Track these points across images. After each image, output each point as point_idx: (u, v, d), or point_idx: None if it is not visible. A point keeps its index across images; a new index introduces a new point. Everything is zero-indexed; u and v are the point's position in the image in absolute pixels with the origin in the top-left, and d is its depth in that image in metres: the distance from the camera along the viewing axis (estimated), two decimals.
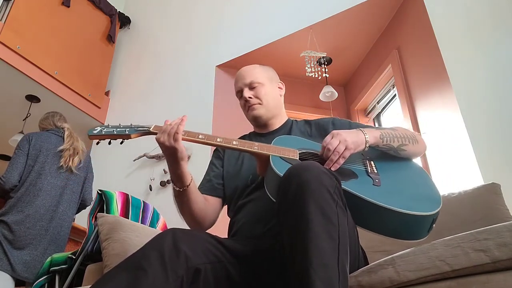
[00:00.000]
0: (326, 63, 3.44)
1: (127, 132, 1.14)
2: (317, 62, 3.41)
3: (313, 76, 3.24)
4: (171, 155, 1.09)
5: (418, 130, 2.59)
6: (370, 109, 3.57)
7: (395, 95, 3.17)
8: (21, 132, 4.00)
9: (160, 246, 0.83)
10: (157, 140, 1.09)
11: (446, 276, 0.81)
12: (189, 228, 1.18)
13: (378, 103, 3.47)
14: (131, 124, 1.18)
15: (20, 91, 3.91)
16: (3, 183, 2.33)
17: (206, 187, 1.32)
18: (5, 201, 2.37)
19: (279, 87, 1.43)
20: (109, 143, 1.17)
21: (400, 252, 0.90)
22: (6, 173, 2.36)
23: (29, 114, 4.03)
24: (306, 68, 3.23)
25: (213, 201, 1.28)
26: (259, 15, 3.67)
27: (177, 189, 1.13)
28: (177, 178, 1.13)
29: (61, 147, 2.53)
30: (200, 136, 1.13)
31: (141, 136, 1.16)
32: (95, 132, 1.15)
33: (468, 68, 2.32)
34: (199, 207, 1.19)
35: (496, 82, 2.21)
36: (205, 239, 0.94)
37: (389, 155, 1.19)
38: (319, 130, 1.34)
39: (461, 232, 0.85)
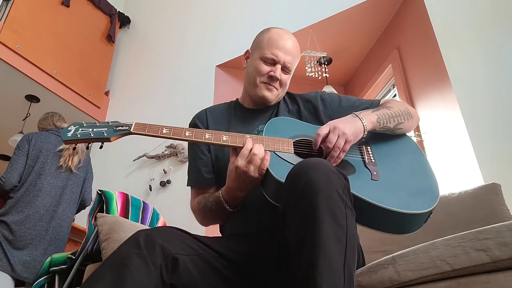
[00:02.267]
0: (326, 63, 3.44)
1: (105, 135, 1.00)
2: (317, 62, 3.41)
3: (313, 76, 3.24)
4: (249, 184, 1.01)
5: (418, 130, 2.59)
6: None
7: (395, 95, 3.17)
8: (21, 132, 4.00)
9: (136, 243, 0.85)
10: (240, 167, 0.99)
11: (447, 275, 0.81)
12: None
13: None
14: (108, 122, 1.03)
15: (19, 91, 3.91)
16: (3, 183, 2.33)
17: (195, 180, 1.21)
18: (5, 201, 2.37)
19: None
20: (87, 147, 1.07)
21: (400, 252, 0.90)
22: (5, 174, 2.36)
23: (28, 114, 4.03)
24: (306, 68, 3.23)
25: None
26: (259, 15, 3.67)
27: (230, 210, 1.08)
28: (235, 201, 1.07)
29: (61, 147, 2.53)
30: (187, 134, 1.04)
31: (121, 137, 1.02)
32: (69, 135, 0.98)
33: (469, 68, 2.32)
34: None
35: (497, 82, 2.21)
36: (179, 234, 0.94)
37: (385, 135, 1.17)
38: (308, 107, 1.28)
39: (462, 232, 0.85)
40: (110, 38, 4.62)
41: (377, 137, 1.17)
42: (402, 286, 0.84)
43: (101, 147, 1.04)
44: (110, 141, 1.01)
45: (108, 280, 0.79)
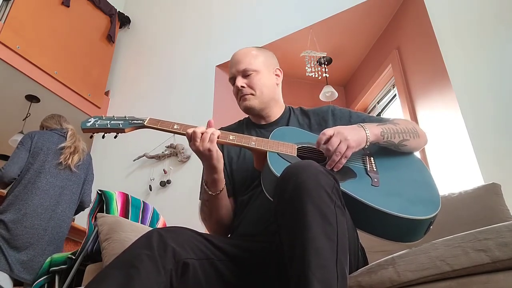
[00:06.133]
0: (326, 63, 3.44)
1: (120, 126, 1.10)
2: (317, 62, 3.41)
3: (313, 76, 3.24)
4: (208, 159, 1.07)
5: None
6: (370, 109, 3.57)
7: (395, 95, 3.17)
8: (21, 132, 4.00)
9: (149, 244, 0.84)
10: (191, 147, 1.07)
11: (447, 276, 0.80)
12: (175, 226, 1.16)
13: (378, 103, 3.47)
14: (125, 116, 1.14)
15: (20, 91, 3.91)
16: (1, 174, 2.31)
17: None
18: (3, 199, 2.35)
19: (276, 74, 1.33)
20: (103, 136, 1.14)
21: (400, 252, 0.89)
22: (6, 166, 2.34)
23: (29, 114, 4.03)
24: (306, 68, 3.23)
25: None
26: (259, 15, 3.67)
27: (211, 193, 1.11)
28: (212, 182, 1.11)
29: (63, 145, 2.52)
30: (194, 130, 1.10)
31: (135, 130, 1.12)
32: (88, 124, 1.11)
33: (469, 68, 2.32)
34: (228, 213, 1.18)
35: (497, 82, 2.21)
36: (191, 235, 0.94)
37: (389, 150, 1.18)
38: (318, 120, 1.30)
39: (462, 232, 0.85)
40: (110, 38, 4.62)
41: (381, 151, 1.17)
42: (402, 286, 0.84)
43: (115, 137, 1.13)
44: (125, 132, 1.11)
45: (116, 280, 0.78)
